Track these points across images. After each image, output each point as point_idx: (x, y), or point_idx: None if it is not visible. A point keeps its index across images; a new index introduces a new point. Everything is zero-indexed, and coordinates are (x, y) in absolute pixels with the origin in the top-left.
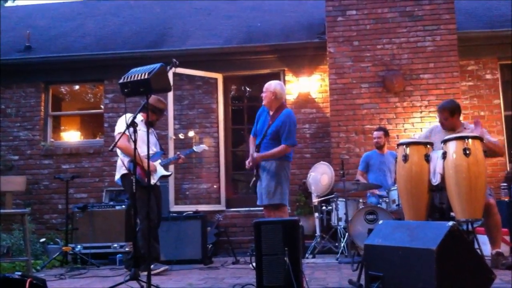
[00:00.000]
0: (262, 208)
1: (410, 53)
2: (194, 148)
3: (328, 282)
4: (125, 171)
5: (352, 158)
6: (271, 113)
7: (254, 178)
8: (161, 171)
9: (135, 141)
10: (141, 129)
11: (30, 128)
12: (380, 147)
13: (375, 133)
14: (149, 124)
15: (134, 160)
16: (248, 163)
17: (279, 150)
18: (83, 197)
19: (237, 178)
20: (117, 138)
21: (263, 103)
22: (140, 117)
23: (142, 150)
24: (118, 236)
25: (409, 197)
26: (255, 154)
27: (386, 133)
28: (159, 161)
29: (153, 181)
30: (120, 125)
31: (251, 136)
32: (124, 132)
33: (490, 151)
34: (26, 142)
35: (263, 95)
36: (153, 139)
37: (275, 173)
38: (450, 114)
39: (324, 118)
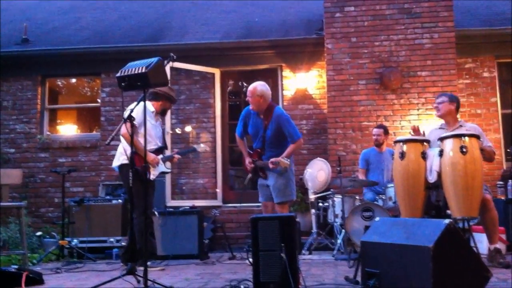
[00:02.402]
0: (259, 204)
1: (408, 50)
2: (195, 146)
3: (325, 279)
4: (125, 161)
5: (349, 155)
6: (261, 115)
7: (249, 176)
8: (161, 167)
9: (132, 135)
10: (150, 121)
11: (27, 121)
12: (379, 144)
13: (375, 130)
14: (162, 112)
15: (132, 152)
16: (249, 163)
17: (297, 146)
18: (79, 191)
19: (234, 173)
20: (122, 127)
21: (250, 108)
22: (151, 108)
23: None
24: (114, 230)
25: (406, 195)
26: (278, 159)
27: (386, 131)
28: (161, 156)
29: (152, 177)
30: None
31: (238, 138)
32: (125, 121)
33: (484, 157)
34: (23, 135)
35: (249, 99)
36: (158, 133)
37: (282, 169)
38: (449, 99)
39: (321, 115)
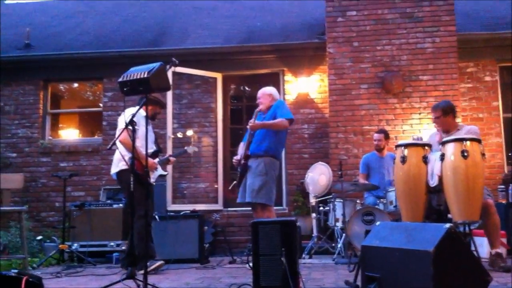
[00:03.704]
0: None
1: (410, 54)
2: (186, 148)
3: (325, 283)
4: (124, 167)
5: (351, 159)
6: (264, 113)
7: (234, 182)
8: (159, 170)
9: (133, 140)
10: (145, 126)
11: (29, 126)
12: (379, 149)
13: (376, 135)
14: (152, 117)
15: (133, 157)
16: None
17: (279, 122)
18: (80, 195)
19: (235, 177)
20: (117, 134)
21: (259, 108)
22: (143, 113)
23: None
24: (115, 235)
25: (407, 199)
26: (256, 122)
27: (387, 135)
28: (157, 159)
29: (152, 180)
30: (122, 121)
31: (241, 143)
32: (126, 127)
33: None
34: (25, 140)
35: (260, 100)
36: (151, 137)
37: (262, 171)
38: (442, 113)
39: (323, 119)
